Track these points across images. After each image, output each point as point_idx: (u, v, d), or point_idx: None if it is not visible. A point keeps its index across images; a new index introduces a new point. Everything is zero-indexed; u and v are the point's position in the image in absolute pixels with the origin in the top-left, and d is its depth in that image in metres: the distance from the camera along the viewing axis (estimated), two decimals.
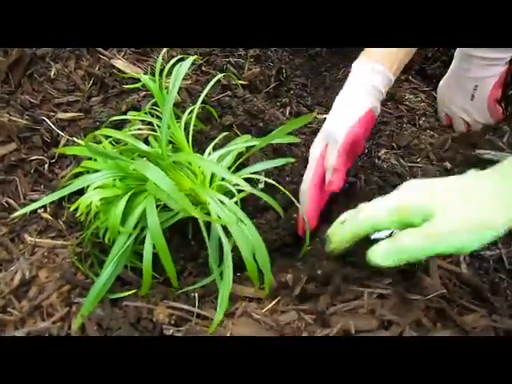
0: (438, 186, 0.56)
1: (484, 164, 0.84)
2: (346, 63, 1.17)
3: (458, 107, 0.90)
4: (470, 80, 0.87)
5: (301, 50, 1.18)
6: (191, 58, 0.77)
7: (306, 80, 1.18)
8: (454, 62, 0.92)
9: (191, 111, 0.82)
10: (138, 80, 0.92)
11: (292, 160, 0.84)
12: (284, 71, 1.15)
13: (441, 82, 0.98)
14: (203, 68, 1.00)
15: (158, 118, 0.81)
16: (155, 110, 0.82)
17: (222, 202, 0.66)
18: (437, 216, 0.51)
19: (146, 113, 0.83)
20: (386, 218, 0.57)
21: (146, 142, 0.79)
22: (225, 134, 0.93)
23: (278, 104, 1.12)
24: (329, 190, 0.77)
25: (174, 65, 0.80)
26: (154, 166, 0.57)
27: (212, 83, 0.83)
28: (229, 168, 0.81)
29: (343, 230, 0.63)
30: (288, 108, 1.12)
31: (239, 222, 0.68)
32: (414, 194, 0.57)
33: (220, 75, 0.88)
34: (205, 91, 0.83)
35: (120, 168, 0.64)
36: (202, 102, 0.95)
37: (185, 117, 0.80)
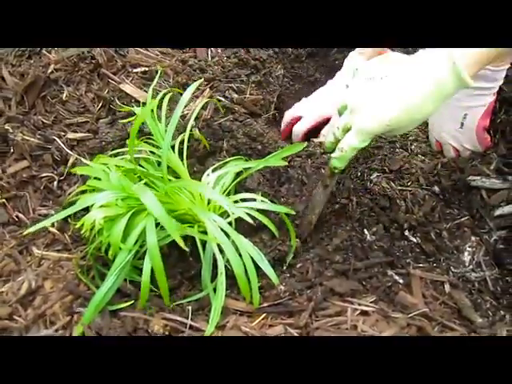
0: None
1: (471, 189, 0.89)
2: None
3: (448, 134, 0.94)
4: (459, 109, 0.91)
5: (301, 76, 1.23)
6: (193, 86, 0.82)
7: None
8: None
9: (191, 134, 0.87)
10: (144, 103, 0.99)
11: None
12: (282, 98, 1.21)
13: None
14: (205, 93, 1.05)
15: (152, 144, 0.86)
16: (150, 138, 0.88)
17: (216, 222, 0.70)
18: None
19: (149, 136, 0.88)
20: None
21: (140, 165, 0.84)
22: (224, 156, 0.99)
23: (276, 129, 1.17)
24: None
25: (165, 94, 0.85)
26: (149, 191, 0.62)
27: (197, 109, 0.89)
28: (225, 190, 0.86)
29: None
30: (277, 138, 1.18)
31: (232, 240, 0.72)
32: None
33: (204, 101, 0.94)
34: (193, 116, 0.89)
35: (122, 188, 0.69)
36: (203, 126, 1.01)
37: (178, 141, 0.86)
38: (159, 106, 0.91)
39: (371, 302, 0.69)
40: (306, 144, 0.93)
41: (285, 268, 0.84)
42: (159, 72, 1.01)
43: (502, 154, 0.92)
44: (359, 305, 0.67)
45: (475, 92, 0.88)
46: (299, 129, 1.09)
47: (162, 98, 0.93)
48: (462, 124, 0.91)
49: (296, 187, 0.97)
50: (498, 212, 0.85)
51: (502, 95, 1.01)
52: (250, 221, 0.71)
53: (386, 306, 0.68)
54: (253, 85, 1.14)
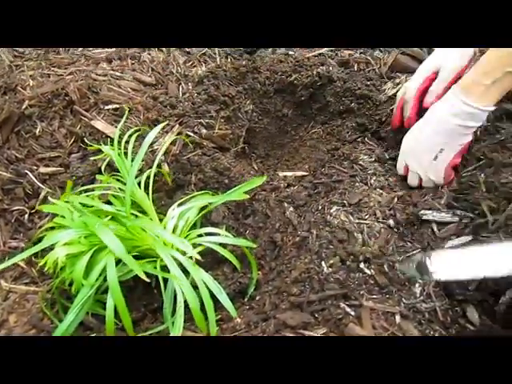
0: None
1: (423, 223, 0.93)
2: (310, 124, 1.28)
3: (418, 163, 0.97)
4: (438, 142, 0.95)
5: (270, 111, 1.29)
6: (157, 129, 0.87)
7: (273, 139, 1.29)
8: None
9: (160, 169, 0.91)
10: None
11: None
12: (252, 132, 1.26)
13: (409, 133, 1.02)
14: (174, 129, 1.10)
15: (120, 181, 0.90)
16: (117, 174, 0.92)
17: (175, 258, 0.74)
18: None
19: (116, 171, 0.92)
20: None
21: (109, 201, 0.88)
22: (192, 189, 1.03)
23: (245, 162, 1.22)
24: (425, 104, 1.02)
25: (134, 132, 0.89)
26: (109, 231, 0.66)
27: (166, 144, 0.94)
28: (189, 224, 0.90)
29: None
30: (254, 166, 1.23)
31: (192, 275, 0.76)
32: None
33: (173, 136, 0.98)
34: (161, 152, 0.93)
35: (85, 226, 0.73)
36: (172, 161, 1.05)
37: (146, 176, 0.89)
38: (129, 142, 0.96)
39: (321, 335, 0.72)
40: (265, 177, 0.97)
41: (246, 300, 0.87)
42: (126, 111, 1.05)
43: (453, 189, 0.97)
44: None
45: (458, 129, 0.92)
46: (410, 89, 1.06)
47: (131, 135, 0.97)
48: (436, 157, 0.96)
49: (260, 220, 1.02)
50: (447, 245, 0.89)
51: None
52: (199, 257, 0.74)
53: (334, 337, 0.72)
54: (222, 120, 1.19)
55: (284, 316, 0.75)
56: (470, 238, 0.89)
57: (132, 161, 0.89)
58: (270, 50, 1.38)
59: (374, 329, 0.76)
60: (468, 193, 0.93)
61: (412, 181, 1.02)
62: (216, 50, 1.36)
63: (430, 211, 0.94)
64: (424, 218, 0.93)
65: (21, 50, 1.47)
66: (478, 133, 1.06)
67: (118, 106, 1.11)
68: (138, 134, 0.97)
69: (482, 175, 0.94)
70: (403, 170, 1.03)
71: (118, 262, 0.76)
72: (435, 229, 0.92)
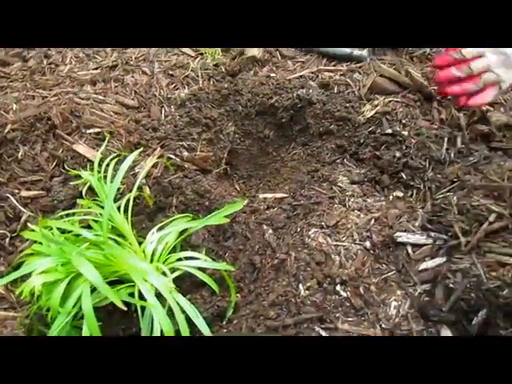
0: None
1: (398, 245, 0.95)
2: (291, 145, 1.30)
3: None
4: None
5: (251, 133, 1.31)
6: (133, 155, 0.88)
7: (255, 160, 1.31)
8: None
9: (141, 192, 0.93)
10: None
11: None
12: (234, 153, 1.28)
13: None
14: (156, 152, 1.11)
15: (100, 205, 0.91)
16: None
17: (152, 284, 0.75)
18: None
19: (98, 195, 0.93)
20: None
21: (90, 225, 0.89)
22: (173, 212, 1.04)
23: (227, 183, 1.23)
24: None
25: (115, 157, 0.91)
26: (85, 260, 0.67)
27: (147, 168, 0.95)
28: (168, 248, 0.91)
29: None
30: (236, 186, 1.25)
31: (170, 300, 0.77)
32: None
33: (154, 159, 1.00)
34: (142, 175, 0.94)
35: (63, 254, 0.74)
36: (154, 184, 1.07)
37: (126, 199, 0.91)
38: (109, 166, 0.97)
39: None
40: (245, 201, 0.99)
41: (224, 323, 0.88)
42: (107, 137, 1.07)
43: (427, 211, 0.99)
44: None
45: None
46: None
47: (112, 159, 0.99)
48: None
49: (240, 242, 1.03)
50: (422, 266, 0.91)
51: (430, 153, 1.10)
52: (172, 285, 0.75)
53: None
54: (204, 142, 1.21)
55: None
56: (444, 259, 0.91)
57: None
58: (252, 72, 1.41)
59: None
60: (441, 215, 0.95)
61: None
62: (199, 72, 1.39)
63: (405, 233, 0.96)
64: (399, 240, 0.95)
65: (7, 70, 1.49)
66: (452, 155, 1.09)
67: (99, 129, 1.12)
68: (118, 158, 0.99)
69: (455, 198, 0.96)
70: None
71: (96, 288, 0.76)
72: (410, 251, 0.94)
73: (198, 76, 1.38)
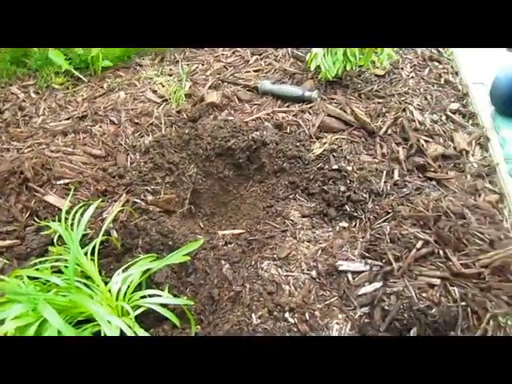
0: None
1: (340, 273, 1.06)
2: (249, 183, 1.42)
3: None
4: None
5: (212, 173, 1.42)
6: (95, 204, 0.99)
7: (217, 198, 1.42)
8: None
9: (109, 236, 1.02)
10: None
11: None
12: (197, 193, 1.39)
13: None
14: (122, 198, 1.22)
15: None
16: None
17: (113, 323, 0.84)
18: None
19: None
20: None
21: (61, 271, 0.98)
22: (139, 252, 1.14)
23: (191, 221, 1.34)
24: None
25: (83, 206, 1.01)
26: (49, 308, 0.76)
27: (114, 213, 1.05)
28: (133, 287, 1.00)
29: None
30: (200, 224, 1.35)
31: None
32: None
33: (120, 205, 1.10)
34: (109, 220, 1.04)
35: (32, 301, 0.83)
36: (121, 227, 1.17)
37: (92, 245, 1.01)
38: (77, 213, 1.07)
39: None
40: (202, 241, 1.09)
41: None
42: (73, 188, 1.17)
43: (366, 240, 1.11)
44: None
45: None
46: None
47: (80, 208, 1.09)
48: None
49: (200, 277, 1.13)
50: (361, 291, 1.02)
51: (370, 186, 1.23)
52: (160, 311, 0.85)
53: None
54: (167, 185, 1.32)
55: None
56: (380, 284, 1.02)
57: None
58: (212, 116, 1.53)
59: None
60: (376, 244, 1.07)
61: None
62: (162, 119, 1.51)
63: (346, 262, 1.07)
64: (341, 268, 1.06)
65: None
66: (389, 187, 1.21)
67: (69, 180, 1.23)
68: (86, 206, 1.09)
69: (388, 227, 1.08)
70: None
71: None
72: (350, 278, 1.04)
73: (161, 123, 1.49)
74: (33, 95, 1.76)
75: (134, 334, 0.85)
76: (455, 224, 1.04)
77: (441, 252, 1.02)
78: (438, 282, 1.00)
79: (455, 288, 0.98)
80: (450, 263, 1.00)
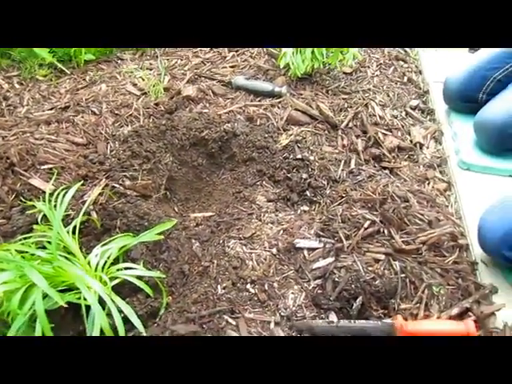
0: None
1: (297, 250, 1.18)
2: (220, 171, 1.54)
3: None
4: None
5: (187, 162, 1.53)
6: (76, 186, 1.09)
7: (191, 185, 1.53)
8: None
9: (89, 216, 1.13)
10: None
11: None
12: (173, 179, 1.50)
13: None
14: (101, 182, 1.32)
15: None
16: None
17: (93, 289, 0.96)
18: None
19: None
20: None
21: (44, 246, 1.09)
22: (117, 232, 1.25)
23: (167, 206, 1.45)
24: None
25: (65, 188, 1.11)
26: (36, 273, 0.87)
27: (94, 196, 1.16)
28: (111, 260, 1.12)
29: None
30: (175, 208, 1.46)
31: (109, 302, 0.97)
32: None
33: (99, 189, 1.21)
34: (90, 202, 1.15)
35: (20, 269, 0.93)
36: (100, 209, 1.27)
37: (73, 224, 1.11)
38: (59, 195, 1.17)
39: None
40: (175, 221, 1.21)
41: (158, 320, 1.09)
42: (55, 173, 1.27)
43: (321, 221, 1.23)
44: None
45: None
46: None
47: (62, 190, 1.19)
48: None
49: (173, 254, 1.24)
50: (315, 266, 1.14)
51: (329, 174, 1.35)
52: (134, 281, 0.96)
53: None
54: (144, 172, 1.43)
55: (178, 327, 0.97)
56: (332, 259, 1.15)
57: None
58: (188, 109, 1.64)
59: (249, 334, 0.99)
60: (329, 224, 1.19)
61: None
62: (141, 111, 1.61)
63: (303, 240, 1.19)
64: (298, 245, 1.18)
65: None
66: (345, 174, 1.34)
67: (52, 165, 1.32)
68: (67, 189, 1.19)
69: (340, 209, 1.21)
70: None
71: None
72: (306, 254, 1.17)
73: (140, 114, 1.60)
74: (17, 86, 1.85)
75: (109, 300, 0.97)
76: (398, 206, 1.17)
77: (385, 231, 1.16)
78: (382, 257, 1.13)
79: (397, 262, 1.11)
80: (393, 241, 1.14)
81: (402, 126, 1.65)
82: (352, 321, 1.03)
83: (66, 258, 1.08)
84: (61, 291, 1.03)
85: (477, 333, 0.99)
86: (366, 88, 1.81)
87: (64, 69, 1.91)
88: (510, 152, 1.50)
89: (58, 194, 1.16)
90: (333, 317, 1.07)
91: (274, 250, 1.19)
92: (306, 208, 1.33)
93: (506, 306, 1.05)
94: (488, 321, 1.04)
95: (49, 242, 1.12)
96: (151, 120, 1.59)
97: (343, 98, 1.72)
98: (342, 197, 1.26)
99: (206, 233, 1.28)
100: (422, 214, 1.18)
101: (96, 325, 0.94)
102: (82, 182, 1.17)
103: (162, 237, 1.19)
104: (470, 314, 1.05)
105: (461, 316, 1.05)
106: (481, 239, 1.14)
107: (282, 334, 1.02)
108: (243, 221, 1.30)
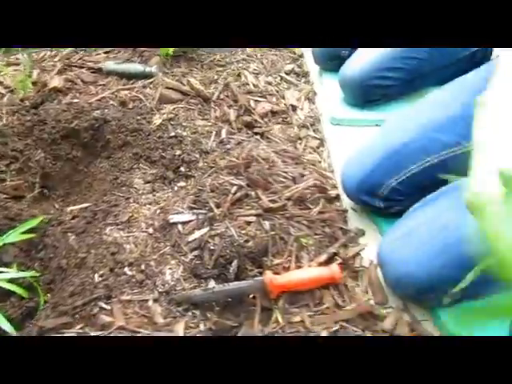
0: None
1: (172, 225, 1.19)
2: (97, 160, 1.51)
3: None
4: None
5: (61, 155, 1.49)
6: None
7: (70, 179, 1.49)
8: None
9: None
10: None
11: None
12: (48, 176, 1.45)
13: None
14: None
15: None
16: None
17: None
18: None
19: None
20: None
21: None
22: None
23: (47, 204, 1.41)
24: None
25: None
26: None
27: None
28: None
29: None
30: (55, 205, 1.42)
31: None
32: None
33: None
34: None
35: None
36: None
37: None
38: None
39: (79, 329, 0.95)
40: (41, 218, 1.18)
41: (34, 319, 1.07)
42: None
43: (192, 193, 1.25)
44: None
45: None
46: None
47: None
48: None
49: (50, 252, 1.22)
50: (190, 238, 1.17)
51: (201, 147, 1.37)
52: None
53: (90, 330, 0.95)
54: (13, 172, 1.37)
55: (47, 322, 0.96)
56: (206, 229, 1.18)
57: None
58: (56, 101, 1.59)
59: (125, 315, 1.00)
60: (200, 195, 1.22)
61: None
62: (4, 109, 1.54)
63: (177, 215, 1.21)
64: (172, 221, 1.20)
65: None
66: (215, 145, 1.37)
67: None
68: None
69: (209, 179, 1.23)
70: None
71: None
72: (180, 228, 1.19)
73: (2, 113, 1.52)
74: None
75: None
76: (262, 168, 1.22)
77: (253, 193, 1.20)
78: (253, 219, 1.17)
79: (266, 221, 1.16)
80: (261, 201, 1.18)
81: (277, 91, 1.70)
82: (226, 284, 1.07)
83: None
84: None
85: (341, 274, 1.06)
86: (240, 58, 1.83)
87: None
88: (373, 103, 1.60)
89: None
90: (212, 284, 1.10)
91: (151, 230, 1.20)
92: (182, 184, 1.34)
93: (370, 245, 1.13)
94: (353, 261, 1.12)
95: None
96: (15, 117, 1.51)
97: (217, 71, 1.74)
98: (212, 167, 1.28)
99: (82, 224, 1.26)
100: (286, 172, 1.23)
101: None
102: None
103: (32, 235, 1.16)
104: (338, 258, 1.12)
105: (329, 261, 1.12)
106: (343, 187, 1.22)
107: (159, 311, 1.03)
108: (120, 206, 1.30)
